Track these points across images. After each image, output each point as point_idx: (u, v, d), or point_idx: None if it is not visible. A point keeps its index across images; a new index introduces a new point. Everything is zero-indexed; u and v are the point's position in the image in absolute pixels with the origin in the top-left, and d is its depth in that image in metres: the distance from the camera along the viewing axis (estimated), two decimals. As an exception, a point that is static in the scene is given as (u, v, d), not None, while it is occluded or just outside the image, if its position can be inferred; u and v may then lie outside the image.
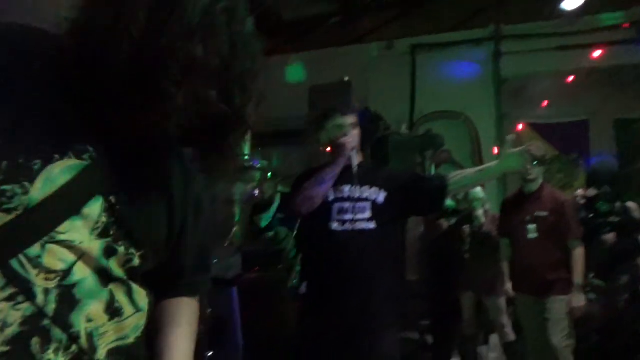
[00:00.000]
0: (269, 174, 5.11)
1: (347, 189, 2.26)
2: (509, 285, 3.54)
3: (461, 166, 7.24)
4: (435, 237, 4.67)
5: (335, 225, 2.22)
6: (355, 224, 2.20)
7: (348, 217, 2.22)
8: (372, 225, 2.22)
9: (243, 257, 3.92)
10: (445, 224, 4.52)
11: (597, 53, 6.94)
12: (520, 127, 7.19)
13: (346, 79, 6.73)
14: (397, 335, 2.41)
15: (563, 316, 3.15)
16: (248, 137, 6.27)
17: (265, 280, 3.97)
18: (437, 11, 8.00)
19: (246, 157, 5.98)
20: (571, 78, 7.04)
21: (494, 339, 4.56)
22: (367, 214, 2.22)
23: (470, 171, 2.40)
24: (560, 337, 3.13)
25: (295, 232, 3.10)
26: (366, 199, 2.26)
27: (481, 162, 7.31)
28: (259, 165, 5.74)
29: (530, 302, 3.32)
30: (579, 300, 3.11)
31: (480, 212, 4.15)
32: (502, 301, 3.97)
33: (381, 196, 2.27)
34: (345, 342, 2.11)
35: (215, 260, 3.67)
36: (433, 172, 5.47)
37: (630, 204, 3.72)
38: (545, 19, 7.28)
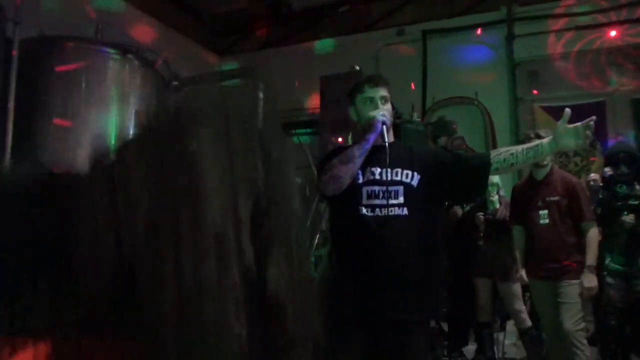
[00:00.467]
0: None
1: (377, 171, 2.06)
2: (522, 272, 3.54)
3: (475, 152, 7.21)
4: (450, 225, 4.66)
5: (364, 211, 2.02)
6: (387, 210, 2.01)
7: (379, 202, 2.02)
8: (405, 211, 2.02)
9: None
10: (459, 211, 4.51)
11: (612, 32, 6.80)
12: (536, 110, 7.07)
13: (357, 67, 6.70)
14: (428, 331, 2.25)
15: (576, 300, 3.14)
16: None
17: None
18: (448, -5, 7.92)
19: (259, 149, 6.02)
20: (586, 59, 6.90)
21: (510, 325, 4.57)
22: (400, 199, 2.02)
23: (517, 149, 2.08)
24: (573, 321, 3.11)
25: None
26: (399, 182, 2.06)
27: (495, 146, 7.25)
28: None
29: (544, 287, 3.31)
30: (590, 281, 3.10)
31: (495, 198, 4.13)
32: (517, 287, 3.96)
33: (415, 179, 2.07)
34: (374, 334, 1.97)
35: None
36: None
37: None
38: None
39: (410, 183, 2.06)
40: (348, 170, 2.00)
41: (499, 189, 4.27)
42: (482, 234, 4.17)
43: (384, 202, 2.02)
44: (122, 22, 6.65)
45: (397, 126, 4.96)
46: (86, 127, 3.91)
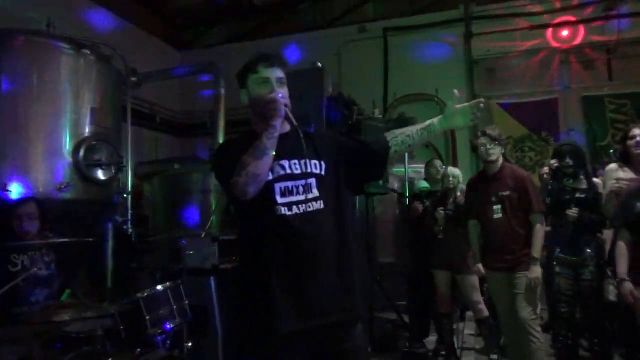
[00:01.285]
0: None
1: (287, 164, 1.87)
2: (479, 265, 3.65)
3: (435, 148, 7.36)
4: (411, 220, 4.76)
5: (283, 210, 1.81)
6: (306, 206, 1.84)
7: (295, 198, 1.84)
8: (321, 204, 1.87)
9: (219, 246, 3.94)
10: (420, 206, 4.60)
11: (565, 32, 7.08)
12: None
13: (319, 64, 6.72)
14: (365, 324, 2.12)
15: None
16: (221, 126, 6.26)
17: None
18: (408, -7, 8.04)
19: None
20: (540, 57, 7.15)
21: (470, 315, 4.71)
22: (315, 192, 1.87)
23: (412, 130, 2.02)
24: (528, 310, 3.25)
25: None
26: (311, 175, 1.89)
27: (454, 143, 7.43)
28: (234, 154, 5.72)
29: (500, 279, 3.43)
30: (534, 272, 3.23)
31: (458, 189, 4.24)
32: (475, 279, 4.09)
33: (324, 168, 1.92)
34: (315, 343, 1.82)
35: (191, 252, 3.69)
36: (407, 154, 5.52)
37: (596, 180, 3.85)
38: (515, -1, 7.40)
39: (320, 173, 1.91)
40: (265, 165, 1.78)
41: (460, 182, 4.39)
42: (442, 228, 4.27)
43: (302, 197, 1.85)
44: (77, 15, 6.44)
45: (358, 122, 5.03)
46: (38, 125, 3.78)
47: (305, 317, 1.78)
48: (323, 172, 1.92)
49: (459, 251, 4.14)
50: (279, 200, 1.83)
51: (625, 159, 3.42)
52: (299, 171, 1.88)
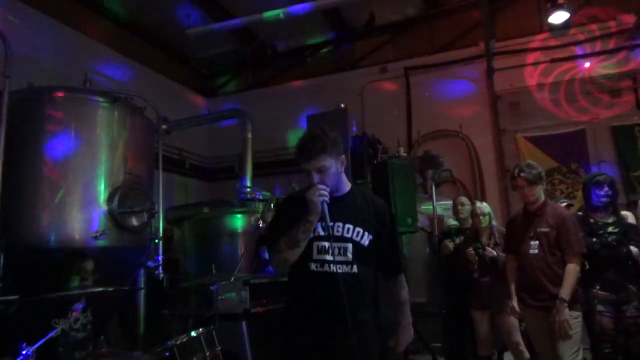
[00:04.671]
0: (272, 205, 5.15)
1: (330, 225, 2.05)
2: (514, 303, 3.53)
3: (462, 184, 7.30)
4: (443, 258, 4.68)
5: (313, 266, 2.04)
6: (336, 266, 2.03)
7: (328, 257, 2.04)
8: (354, 269, 2.05)
9: (250, 290, 3.94)
10: (450, 244, 4.53)
11: (587, 63, 7.05)
12: (519, 141, 7.23)
13: (342, 105, 6.84)
14: None
15: (573, 331, 3.14)
16: (249, 169, 6.37)
17: (274, 312, 3.96)
18: (427, 33, 8.19)
19: (248, 189, 6.06)
20: (564, 89, 7.12)
21: (508, 356, 4.53)
22: (349, 256, 2.05)
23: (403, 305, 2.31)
24: (571, 352, 3.11)
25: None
26: (349, 240, 2.07)
27: (482, 178, 7.36)
28: (261, 197, 5.81)
29: (538, 317, 3.31)
30: (561, 314, 3.09)
31: (495, 229, 4.14)
32: (515, 319, 3.94)
33: (366, 239, 2.10)
34: None
35: (222, 297, 3.70)
36: (434, 191, 5.50)
37: (625, 212, 3.73)
38: (534, 33, 7.45)
39: (359, 242, 2.08)
40: (295, 254, 2.03)
41: (492, 219, 4.31)
42: (476, 267, 4.17)
43: (334, 258, 2.03)
44: (111, 69, 6.77)
45: (384, 162, 5.05)
46: (76, 176, 3.92)
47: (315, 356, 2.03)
48: (364, 241, 2.09)
49: (497, 290, 4.01)
50: (314, 256, 2.05)
51: None
52: (339, 234, 2.07)
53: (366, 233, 2.10)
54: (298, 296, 2.12)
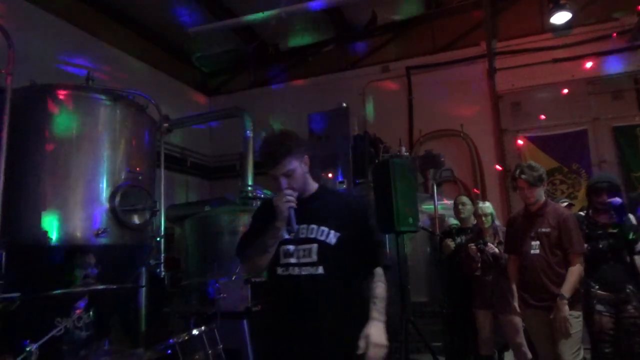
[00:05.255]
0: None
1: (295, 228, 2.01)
2: (515, 303, 3.54)
3: (463, 184, 7.31)
4: (444, 258, 4.68)
5: (280, 271, 2.04)
6: (301, 269, 2.01)
7: (292, 260, 2.02)
8: (320, 270, 2.00)
9: (251, 288, 3.95)
10: (452, 244, 4.53)
11: (589, 64, 7.05)
12: (520, 141, 7.23)
13: (344, 104, 6.85)
14: None
15: (573, 331, 3.15)
16: (250, 167, 6.37)
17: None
18: (429, 32, 8.19)
19: (250, 188, 6.07)
20: (566, 90, 7.12)
21: (508, 356, 4.53)
22: (314, 257, 2.01)
23: (378, 300, 2.06)
24: (571, 352, 3.12)
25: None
26: (313, 240, 2.03)
27: (482, 178, 7.37)
28: (262, 195, 5.81)
29: (539, 317, 3.32)
30: (561, 310, 3.10)
31: (498, 230, 4.14)
32: (518, 320, 3.92)
33: (333, 237, 2.04)
34: None
35: (224, 295, 3.71)
36: (435, 190, 5.50)
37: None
38: (536, 33, 7.45)
39: (324, 241, 2.02)
40: (264, 259, 2.04)
41: (494, 218, 4.31)
42: (479, 264, 4.16)
43: (298, 260, 2.02)
44: (113, 67, 6.77)
45: (385, 161, 5.06)
46: (78, 173, 3.93)
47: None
48: (330, 239, 2.03)
49: (500, 290, 4.01)
50: (280, 260, 2.05)
51: None
52: (303, 235, 2.04)
53: (332, 231, 2.04)
54: (270, 300, 2.17)
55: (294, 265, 2.02)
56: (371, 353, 1.88)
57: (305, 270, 2.00)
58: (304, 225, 2.03)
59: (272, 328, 2.11)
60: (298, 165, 2.04)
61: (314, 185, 2.17)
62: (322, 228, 2.04)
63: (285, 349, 2.01)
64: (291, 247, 2.04)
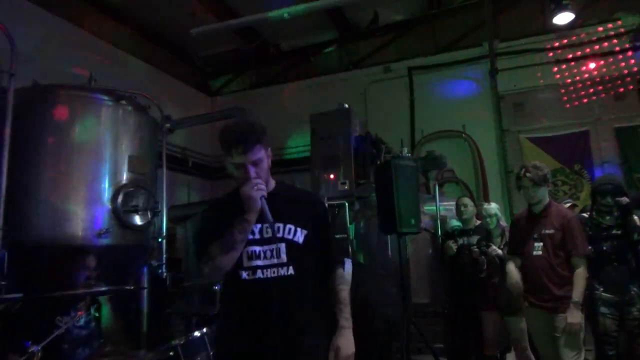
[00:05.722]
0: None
1: (257, 229, 1.89)
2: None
3: (465, 184, 7.29)
4: (446, 259, 4.67)
5: (245, 275, 1.86)
6: (270, 271, 1.87)
7: (260, 263, 1.87)
8: (290, 270, 1.88)
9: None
10: (454, 245, 4.52)
11: (591, 64, 7.04)
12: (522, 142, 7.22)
13: (345, 105, 6.84)
14: None
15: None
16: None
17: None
18: (431, 33, 8.18)
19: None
20: (568, 90, 7.11)
21: (510, 357, 4.53)
22: (283, 257, 1.88)
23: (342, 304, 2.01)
24: (573, 354, 3.12)
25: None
26: (281, 239, 1.90)
27: (484, 179, 7.35)
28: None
29: (540, 318, 3.31)
30: (574, 317, 3.10)
31: (505, 230, 4.13)
32: (524, 322, 3.91)
33: (300, 236, 1.93)
34: None
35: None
36: (437, 191, 5.49)
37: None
38: (538, 33, 7.44)
39: (292, 239, 1.91)
40: (231, 259, 1.82)
41: (499, 219, 4.30)
42: (485, 266, 4.14)
43: (268, 262, 1.87)
44: (115, 68, 6.77)
45: (387, 162, 5.05)
46: (80, 174, 3.92)
47: None
48: (297, 238, 1.93)
49: (506, 292, 3.99)
50: (244, 263, 1.87)
51: None
52: (269, 235, 1.88)
53: (299, 229, 1.94)
54: (230, 309, 1.94)
55: (262, 267, 1.87)
56: None
57: (274, 272, 1.87)
58: (269, 224, 1.86)
59: (236, 336, 1.89)
60: (265, 156, 1.93)
61: (272, 181, 2.03)
62: (289, 226, 1.93)
63: (253, 356, 1.85)
64: (257, 249, 1.87)
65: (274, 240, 1.88)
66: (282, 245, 1.89)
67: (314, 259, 1.98)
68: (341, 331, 1.92)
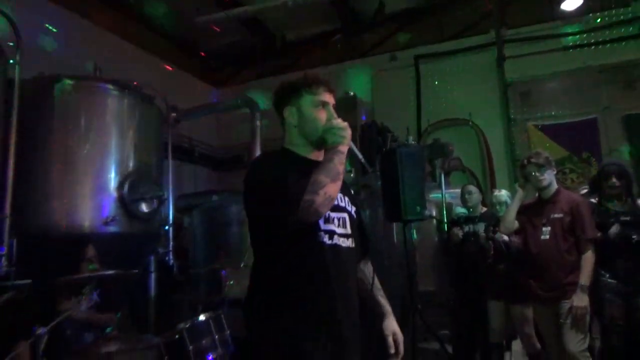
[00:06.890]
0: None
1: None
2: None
3: (472, 172, 7.26)
4: (452, 247, 4.66)
5: (325, 238, 1.60)
6: (342, 239, 1.67)
7: (335, 228, 1.65)
8: (351, 242, 1.71)
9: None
10: (459, 232, 4.51)
11: (599, 52, 6.95)
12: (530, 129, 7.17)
13: (351, 93, 6.83)
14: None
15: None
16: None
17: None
18: (438, 21, 8.11)
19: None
20: (576, 77, 7.03)
21: (516, 345, 4.52)
22: (348, 229, 1.71)
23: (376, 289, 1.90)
24: (576, 341, 3.09)
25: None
26: (344, 209, 1.73)
27: (491, 166, 7.31)
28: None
29: (545, 306, 3.29)
30: (580, 300, 3.07)
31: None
32: (530, 311, 3.89)
33: (353, 211, 1.78)
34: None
35: (232, 282, 3.74)
36: (442, 179, 5.47)
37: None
38: (546, 21, 7.35)
39: (351, 212, 1.76)
40: (338, 190, 1.57)
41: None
42: (491, 252, 4.13)
43: (340, 230, 1.67)
44: (121, 58, 6.79)
45: (393, 150, 5.03)
46: (87, 163, 3.96)
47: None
48: (353, 212, 1.78)
49: (511, 279, 3.98)
50: (322, 226, 1.61)
51: None
52: (343, 203, 1.72)
53: (351, 204, 1.78)
54: (300, 278, 1.60)
55: (338, 234, 1.65)
56: (400, 349, 1.79)
57: (345, 242, 1.67)
58: (340, 193, 1.66)
59: (300, 313, 1.58)
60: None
61: None
62: (346, 197, 1.75)
63: (323, 335, 1.58)
64: (331, 213, 1.63)
65: (340, 208, 1.69)
66: (346, 216, 1.72)
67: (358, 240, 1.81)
68: (391, 316, 1.86)
